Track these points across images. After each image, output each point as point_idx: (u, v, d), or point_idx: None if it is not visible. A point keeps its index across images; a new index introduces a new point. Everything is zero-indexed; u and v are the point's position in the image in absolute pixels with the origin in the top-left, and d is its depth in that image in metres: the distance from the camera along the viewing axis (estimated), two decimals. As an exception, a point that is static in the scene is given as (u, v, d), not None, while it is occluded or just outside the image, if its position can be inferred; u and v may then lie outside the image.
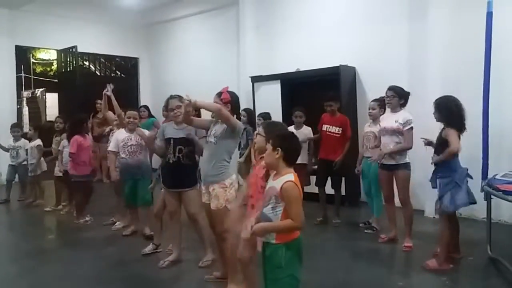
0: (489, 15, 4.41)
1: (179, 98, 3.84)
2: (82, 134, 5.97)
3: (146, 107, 7.28)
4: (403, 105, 4.62)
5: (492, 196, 3.97)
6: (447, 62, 5.83)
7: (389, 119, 4.62)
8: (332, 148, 5.50)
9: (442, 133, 3.94)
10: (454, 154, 3.83)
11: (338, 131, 5.50)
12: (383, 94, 5.17)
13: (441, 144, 3.94)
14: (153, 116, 7.21)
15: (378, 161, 4.58)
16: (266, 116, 6.21)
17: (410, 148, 4.46)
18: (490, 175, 4.25)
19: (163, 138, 4.02)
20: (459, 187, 3.79)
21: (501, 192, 3.68)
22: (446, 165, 3.89)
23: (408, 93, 4.65)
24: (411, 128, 4.48)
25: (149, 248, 4.51)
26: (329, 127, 5.56)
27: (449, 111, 3.87)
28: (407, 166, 4.55)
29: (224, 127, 3.43)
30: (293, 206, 2.32)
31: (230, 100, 3.48)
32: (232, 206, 3.38)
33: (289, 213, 2.32)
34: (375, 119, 5.12)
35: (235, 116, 3.51)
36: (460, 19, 5.77)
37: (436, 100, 4.00)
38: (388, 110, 4.78)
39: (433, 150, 4.11)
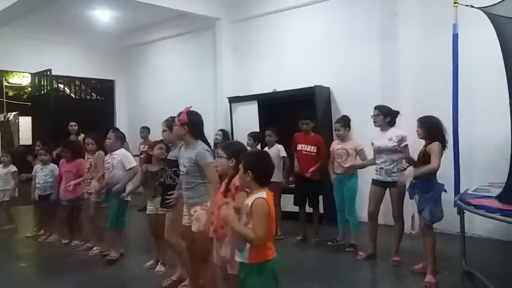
0: (455, 37, 4.57)
1: (167, 122, 4.02)
2: (65, 159, 5.88)
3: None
4: (391, 123, 4.70)
5: (465, 211, 4.08)
6: (418, 81, 6.04)
7: (383, 139, 4.67)
8: (309, 166, 5.53)
9: (426, 148, 4.06)
10: (434, 171, 3.97)
11: (314, 149, 5.55)
12: (357, 113, 5.28)
13: (423, 158, 4.07)
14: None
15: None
16: (225, 133, 6.50)
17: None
18: (462, 190, 4.36)
19: None
20: (437, 202, 3.98)
21: (472, 207, 3.77)
22: (426, 182, 4.03)
23: (395, 112, 4.74)
24: (407, 145, 4.59)
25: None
26: (304, 146, 5.62)
27: (435, 128, 4.04)
28: None
29: (192, 157, 3.38)
30: (258, 221, 2.33)
31: (186, 122, 3.40)
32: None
33: (253, 227, 2.33)
34: (343, 140, 5.23)
35: (198, 138, 3.46)
36: (430, 40, 6.00)
37: (421, 118, 4.16)
38: (377, 129, 4.80)
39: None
